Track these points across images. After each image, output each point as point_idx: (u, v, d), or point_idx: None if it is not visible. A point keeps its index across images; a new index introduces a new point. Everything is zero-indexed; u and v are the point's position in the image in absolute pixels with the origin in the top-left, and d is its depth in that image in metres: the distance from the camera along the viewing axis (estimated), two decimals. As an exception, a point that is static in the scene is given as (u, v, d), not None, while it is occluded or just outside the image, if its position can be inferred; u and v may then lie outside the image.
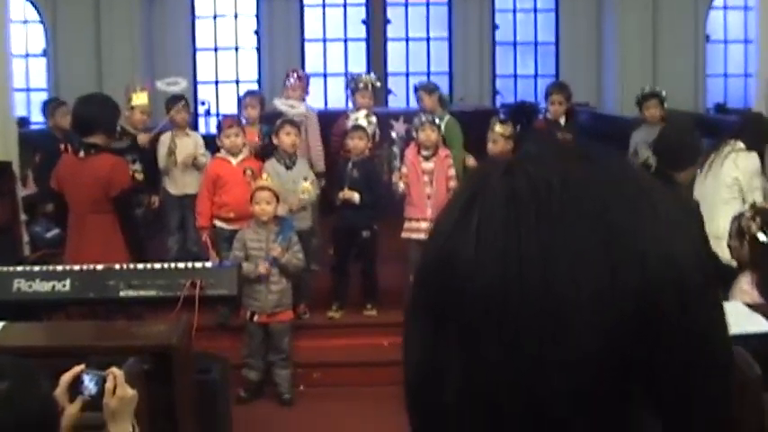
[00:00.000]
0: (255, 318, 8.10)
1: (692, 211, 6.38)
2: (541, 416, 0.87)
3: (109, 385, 3.64)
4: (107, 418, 3.63)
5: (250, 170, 8.80)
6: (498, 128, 9.21)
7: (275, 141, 9.03)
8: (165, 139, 9.81)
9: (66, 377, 3.66)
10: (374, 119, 9.67)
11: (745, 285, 5.83)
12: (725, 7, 16.56)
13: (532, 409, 0.87)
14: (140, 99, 9.66)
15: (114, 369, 3.71)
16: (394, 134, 10.10)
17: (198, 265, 6.21)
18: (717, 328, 0.93)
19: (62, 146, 9.60)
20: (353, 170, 9.10)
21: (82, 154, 7.42)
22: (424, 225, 8.94)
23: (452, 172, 9.14)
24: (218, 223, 8.80)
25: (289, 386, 8.22)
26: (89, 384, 3.68)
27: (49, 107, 11.62)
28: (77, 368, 3.70)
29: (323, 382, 8.44)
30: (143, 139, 9.52)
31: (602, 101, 15.79)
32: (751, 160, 8.11)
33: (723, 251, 6.26)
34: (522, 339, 0.87)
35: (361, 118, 9.47)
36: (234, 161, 8.91)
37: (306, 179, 8.87)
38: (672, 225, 0.92)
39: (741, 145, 8.10)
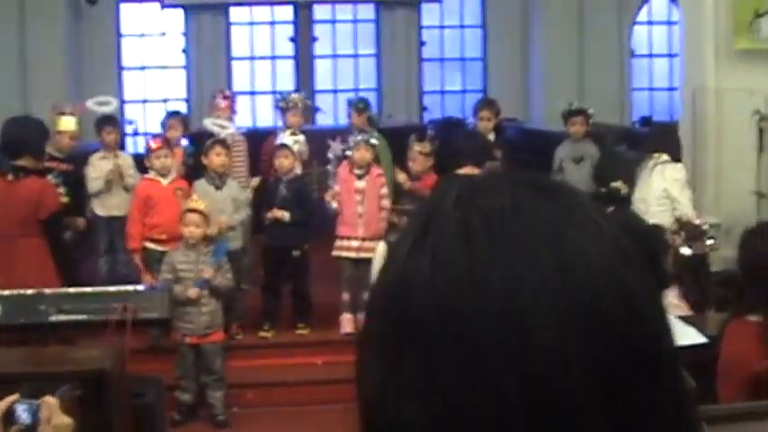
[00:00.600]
0: (187, 339, 8.05)
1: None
2: None
3: (44, 414, 3.59)
4: None
5: (180, 190, 8.77)
6: (417, 146, 9.26)
7: (204, 162, 9.00)
8: (94, 160, 9.74)
9: (1, 407, 3.61)
10: (301, 137, 9.70)
11: (674, 299, 5.91)
12: (649, 22, 16.76)
13: (492, 428, 0.89)
14: (68, 124, 9.49)
15: (48, 398, 3.66)
16: (330, 154, 10.12)
17: (129, 288, 6.17)
18: (665, 341, 0.96)
19: None
20: (283, 189, 9.11)
21: (10, 177, 7.33)
22: (355, 243, 8.98)
23: (385, 191, 9.19)
24: (150, 245, 8.75)
25: (222, 407, 8.18)
26: (23, 414, 3.63)
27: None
28: (10, 398, 3.64)
29: (256, 403, 8.40)
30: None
31: (529, 116, 15.89)
32: (679, 171, 8.19)
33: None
34: (479, 361, 0.89)
35: (286, 137, 9.48)
36: (164, 182, 8.88)
37: (235, 200, 8.89)
38: (621, 249, 0.96)
39: (665, 157, 8.15)
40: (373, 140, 9.44)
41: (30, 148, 7.41)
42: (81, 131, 9.86)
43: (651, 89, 16.86)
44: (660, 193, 7.91)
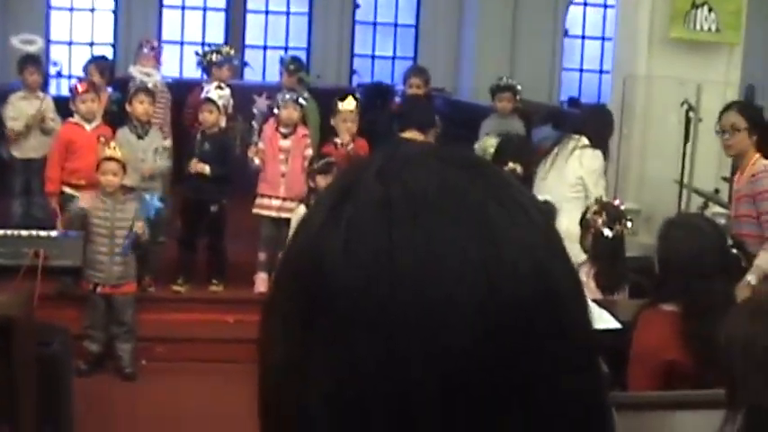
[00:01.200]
0: (99, 289, 7.94)
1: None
2: (409, 425, 0.84)
3: None
4: None
5: (103, 138, 8.63)
6: (340, 105, 9.17)
7: (128, 109, 8.88)
8: (14, 99, 9.56)
9: None
10: (227, 91, 9.57)
11: (583, 276, 5.93)
12: (584, 3, 16.86)
13: (401, 416, 0.84)
14: None
15: None
16: (255, 110, 10.03)
17: (42, 233, 6.05)
18: (585, 332, 0.92)
19: None
20: (205, 143, 9.01)
21: None
22: (275, 203, 8.93)
23: (309, 152, 9.12)
24: (68, 190, 8.60)
25: (130, 360, 8.08)
26: None
27: None
28: None
29: (165, 357, 8.31)
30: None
31: (457, 87, 15.90)
32: (596, 160, 7.91)
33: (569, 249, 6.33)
34: (389, 346, 0.84)
35: (212, 91, 9.36)
36: (88, 127, 8.73)
37: (156, 150, 8.78)
38: (545, 235, 0.91)
39: (585, 141, 7.92)
40: (302, 100, 9.37)
41: None
42: None
43: (581, 70, 16.96)
44: (575, 180, 7.77)
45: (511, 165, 7.58)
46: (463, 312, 0.84)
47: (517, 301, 0.85)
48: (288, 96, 9.25)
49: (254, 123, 10.01)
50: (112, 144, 8.23)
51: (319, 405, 0.86)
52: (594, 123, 8.19)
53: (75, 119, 8.80)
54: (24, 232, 5.96)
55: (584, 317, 0.92)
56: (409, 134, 7.48)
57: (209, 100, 9.15)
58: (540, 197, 6.24)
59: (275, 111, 9.32)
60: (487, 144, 9.04)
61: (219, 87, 9.49)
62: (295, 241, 0.93)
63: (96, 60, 10.60)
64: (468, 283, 0.84)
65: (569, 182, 7.80)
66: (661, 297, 4.50)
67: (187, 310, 8.90)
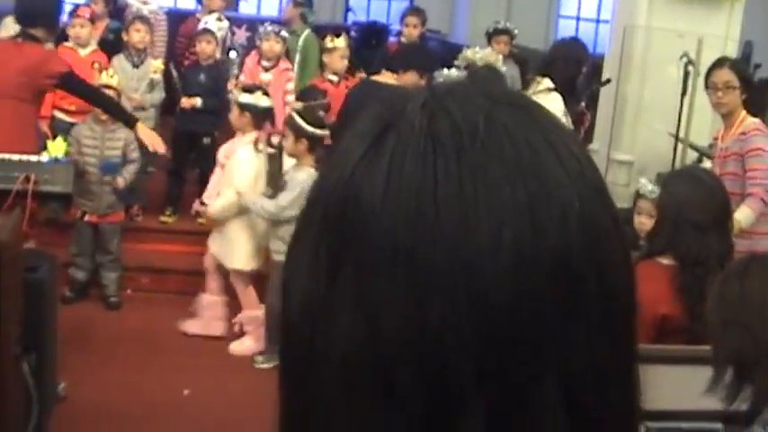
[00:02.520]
0: (87, 217, 7.90)
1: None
2: (437, 388, 0.79)
3: None
4: None
5: (98, 64, 8.56)
6: (329, 42, 9.11)
7: (124, 37, 8.82)
8: (9, 22, 9.44)
9: None
10: (225, 23, 9.51)
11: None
12: (585, -49, 16.77)
13: (429, 377, 0.79)
14: None
15: None
16: (235, 40, 9.96)
17: (33, 158, 5.98)
18: (631, 296, 0.88)
19: None
20: (200, 74, 8.96)
21: (19, 40, 7.15)
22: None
23: (290, 86, 9.13)
24: (59, 114, 8.57)
25: (116, 289, 8.08)
26: None
27: None
28: None
29: (151, 288, 8.32)
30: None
31: (453, 30, 15.80)
32: (553, 103, 7.40)
33: None
34: (428, 285, 0.79)
35: (211, 21, 9.29)
36: (82, 52, 8.67)
37: (152, 81, 8.73)
38: (594, 186, 0.86)
39: (547, 84, 7.63)
40: (284, 33, 9.32)
41: (43, 18, 7.19)
42: None
43: (578, 18, 16.87)
44: None
45: None
46: (505, 254, 0.79)
47: (561, 249, 0.81)
48: (270, 29, 9.20)
49: (231, 55, 9.90)
50: (110, 71, 8.16)
51: (345, 354, 0.81)
52: (563, 63, 7.86)
53: (70, 44, 8.74)
54: (15, 157, 5.88)
55: (629, 279, 0.88)
56: (408, 77, 7.42)
57: (207, 31, 9.08)
58: None
59: (256, 43, 9.28)
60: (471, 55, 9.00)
61: (219, 19, 9.42)
62: (326, 174, 0.88)
63: None
64: (513, 224, 0.80)
65: None
66: (657, 249, 4.47)
67: (174, 240, 8.91)
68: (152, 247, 8.74)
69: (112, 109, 7.45)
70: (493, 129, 0.83)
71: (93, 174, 7.78)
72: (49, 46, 7.66)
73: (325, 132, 7.23)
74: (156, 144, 7.39)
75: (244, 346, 7.47)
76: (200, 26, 9.24)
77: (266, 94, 7.66)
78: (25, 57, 7.02)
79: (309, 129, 7.12)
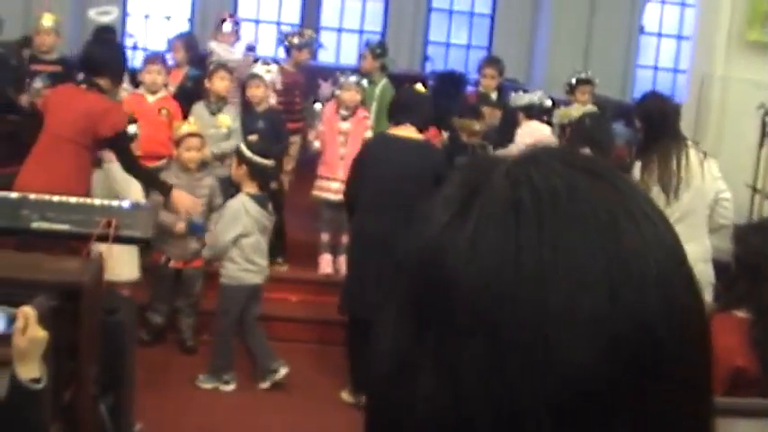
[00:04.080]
0: (171, 263, 8.01)
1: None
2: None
3: (19, 324, 3.53)
4: (15, 357, 3.52)
5: (166, 111, 8.69)
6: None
7: (207, 85, 8.94)
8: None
9: None
10: (274, 67, 9.54)
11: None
12: (662, 1, 16.67)
13: (507, 425, 0.83)
14: (44, 21, 9.60)
15: (27, 308, 3.60)
16: (320, 92, 10.05)
17: (114, 203, 6.08)
18: (706, 356, 0.91)
19: None
20: (259, 120, 9.04)
21: (84, 86, 7.34)
22: (334, 185, 8.96)
23: (369, 134, 9.16)
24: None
25: (192, 333, 8.15)
26: None
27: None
28: None
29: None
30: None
31: (530, 79, 15.80)
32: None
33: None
34: (507, 350, 0.83)
35: (258, 66, 9.36)
36: (150, 99, 8.80)
37: (229, 127, 8.83)
38: (670, 249, 0.89)
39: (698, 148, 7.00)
40: (363, 82, 9.40)
41: (110, 69, 7.40)
42: (59, 28, 9.70)
43: (656, 68, 16.78)
44: (712, 198, 6.77)
45: (587, 151, 6.90)
46: (583, 320, 0.83)
47: (639, 313, 0.84)
48: (351, 79, 9.27)
49: (316, 107, 9.99)
50: (191, 119, 8.28)
51: (427, 412, 0.86)
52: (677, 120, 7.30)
53: (140, 90, 8.90)
54: (97, 201, 6.00)
55: (704, 339, 0.90)
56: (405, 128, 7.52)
57: (255, 75, 9.16)
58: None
59: (336, 93, 9.36)
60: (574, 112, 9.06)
61: (266, 63, 9.50)
62: (416, 234, 0.92)
63: (183, 36, 10.68)
64: (590, 290, 0.83)
65: (708, 202, 6.77)
66: (733, 302, 4.44)
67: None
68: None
69: (147, 180, 7.53)
70: (573, 197, 0.87)
71: (180, 221, 7.88)
72: (117, 94, 7.83)
73: (268, 162, 7.69)
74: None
75: None
76: (250, 72, 9.33)
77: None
78: (89, 104, 7.16)
79: (248, 154, 7.57)
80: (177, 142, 8.10)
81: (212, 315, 8.27)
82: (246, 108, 9.38)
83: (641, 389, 0.84)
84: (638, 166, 6.73)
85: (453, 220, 0.88)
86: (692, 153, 6.73)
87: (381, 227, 6.97)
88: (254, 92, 9.08)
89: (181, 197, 7.38)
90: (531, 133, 8.77)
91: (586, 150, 6.85)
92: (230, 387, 7.64)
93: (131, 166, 7.38)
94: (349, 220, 7.85)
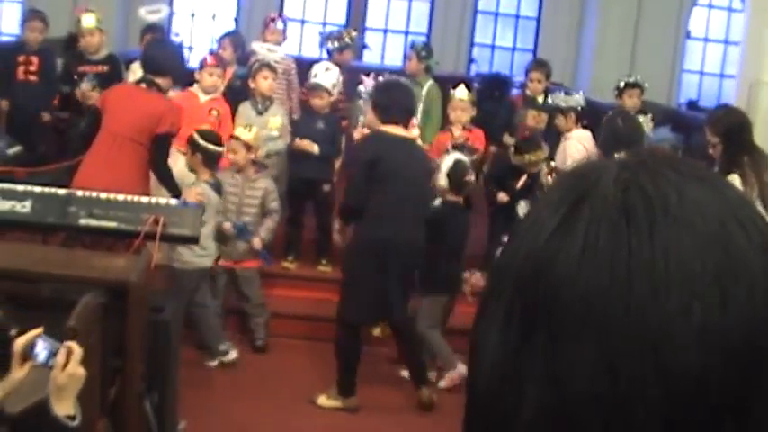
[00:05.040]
0: (221, 261, 8.03)
1: None
2: None
3: (60, 359, 3.51)
4: (52, 391, 3.49)
5: (216, 112, 8.73)
6: (458, 93, 9.19)
7: (251, 85, 8.96)
8: (135, 67, 9.70)
9: (22, 340, 3.54)
10: (335, 71, 9.54)
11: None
12: (709, 6, 16.54)
13: (616, 430, 0.83)
14: (86, 21, 9.67)
15: (72, 344, 3.58)
16: (362, 88, 10.03)
17: (162, 201, 6.11)
18: None
19: (24, 57, 9.60)
20: (321, 122, 9.05)
21: (144, 86, 7.49)
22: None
23: (416, 132, 9.16)
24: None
25: (265, 332, 8.20)
26: (41, 353, 3.56)
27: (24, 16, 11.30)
28: (33, 332, 3.58)
29: (276, 332, 8.36)
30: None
31: (575, 83, 15.73)
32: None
33: None
34: (618, 357, 0.83)
35: (320, 74, 9.33)
36: (202, 98, 8.83)
37: (278, 129, 8.86)
38: None
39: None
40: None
41: (173, 69, 7.58)
42: (101, 26, 9.75)
43: (702, 73, 16.67)
44: None
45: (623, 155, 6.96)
46: (694, 328, 0.82)
47: (748, 321, 0.84)
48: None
49: (360, 103, 9.99)
50: (254, 128, 8.26)
51: (534, 417, 0.86)
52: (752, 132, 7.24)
53: (194, 88, 8.91)
54: (145, 199, 6.02)
55: None
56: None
57: (318, 86, 9.15)
58: None
59: None
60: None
61: (327, 69, 9.50)
62: (520, 242, 0.91)
63: (231, 35, 10.72)
64: (702, 297, 0.83)
65: None
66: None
67: (295, 287, 8.98)
68: (274, 292, 8.81)
69: (164, 179, 7.52)
70: (684, 203, 0.86)
71: (229, 223, 7.92)
72: (170, 93, 7.88)
73: (220, 149, 7.81)
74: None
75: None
76: (309, 81, 9.31)
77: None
78: (151, 104, 7.25)
79: (202, 142, 7.62)
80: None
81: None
82: (306, 108, 9.41)
83: (748, 395, 0.84)
84: (735, 179, 6.58)
85: (562, 225, 0.88)
86: None
87: (399, 233, 6.99)
88: (317, 102, 9.11)
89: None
90: (578, 146, 8.74)
91: (621, 153, 6.72)
92: (232, 356, 7.81)
93: (160, 162, 7.46)
94: (348, 224, 7.65)
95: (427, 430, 7.11)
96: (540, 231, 0.89)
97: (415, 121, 9.37)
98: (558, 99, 9.12)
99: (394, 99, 7.40)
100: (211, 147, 7.65)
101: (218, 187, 7.73)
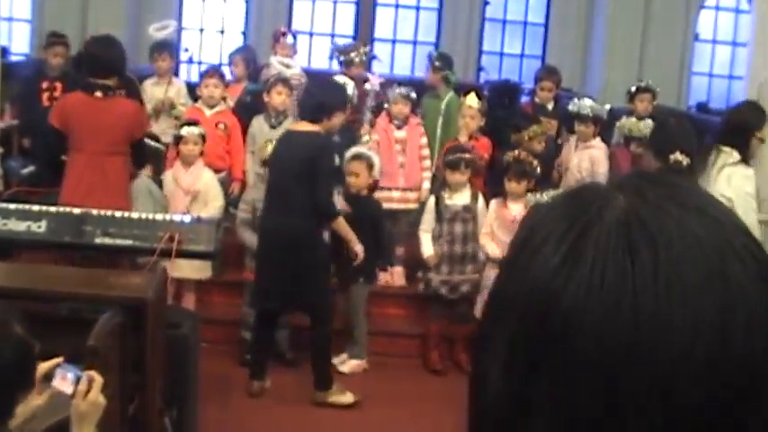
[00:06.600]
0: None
1: None
2: None
3: (82, 387, 3.52)
4: (73, 419, 3.51)
5: (223, 125, 8.76)
6: (468, 100, 9.21)
7: (266, 99, 8.99)
8: (146, 85, 9.76)
9: (43, 367, 3.56)
10: (350, 85, 9.55)
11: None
12: (717, 8, 16.53)
13: None
14: None
15: (93, 373, 3.59)
16: (368, 86, 10.00)
17: (176, 218, 6.14)
18: None
19: (48, 83, 9.56)
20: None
21: (99, 94, 7.22)
22: (395, 194, 9.00)
23: (424, 140, 9.20)
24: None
25: (288, 345, 8.22)
26: (62, 380, 3.56)
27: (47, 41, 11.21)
28: (54, 361, 3.60)
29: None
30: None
31: (585, 88, 15.72)
32: (748, 181, 7.09)
33: None
34: (624, 394, 0.85)
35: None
36: (208, 112, 8.88)
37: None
38: None
39: (736, 156, 7.13)
40: (412, 95, 9.47)
41: (117, 68, 7.35)
42: None
43: (711, 75, 16.65)
44: (720, 199, 6.96)
45: (673, 157, 6.83)
46: (698, 364, 0.85)
47: (747, 355, 0.86)
48: (398, 92, 9.31)
49: (367, 113, 9.95)
50: (269, 146, 8.28)
51: None
52: (744, 137, 7.30)
53: (198, 104, 8.97)
54: (159, 216, 6.05)
55: None
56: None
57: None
58: None
59: (385, 106, 9.40)
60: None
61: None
62: (523, 272, 0.92)
63: (242, 51, 10.75)
64: (704, 334, 0.85)
65: None
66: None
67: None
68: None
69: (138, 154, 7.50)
70: (685, 239, 0.89)
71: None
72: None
73: (161, 147, 8.19)
74: None
75: None
76: None
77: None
78: (121, 111, 7.19)
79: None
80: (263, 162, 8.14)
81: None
82: None
83: (747, 418, 0.86)
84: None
85: (568, 261, 0.89)
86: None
87: (282, 224, 7.28)
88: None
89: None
90: (588, 155, 8.79)
91: (676, 155, 6.82)
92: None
93: (142, 161, 7.54)
94: None
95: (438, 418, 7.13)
96: (544, 264, 0.90)
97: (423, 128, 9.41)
98: (584, 107, 9.16)
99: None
100: (154, 144, 7.84)
101: (159, 183, 7.92)
